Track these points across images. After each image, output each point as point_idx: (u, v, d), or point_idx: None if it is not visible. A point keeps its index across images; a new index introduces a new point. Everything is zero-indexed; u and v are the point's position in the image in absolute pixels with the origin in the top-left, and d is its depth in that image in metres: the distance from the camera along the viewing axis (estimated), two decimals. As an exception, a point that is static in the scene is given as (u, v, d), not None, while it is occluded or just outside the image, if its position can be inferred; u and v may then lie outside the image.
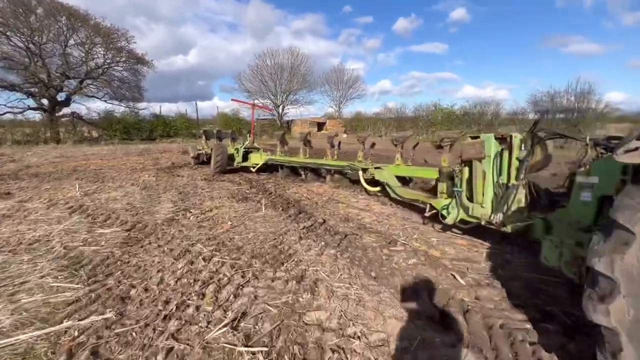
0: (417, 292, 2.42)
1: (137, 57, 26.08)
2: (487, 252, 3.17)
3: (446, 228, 3.74)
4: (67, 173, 8.70)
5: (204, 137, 10.34)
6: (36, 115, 23.74)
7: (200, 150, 10.22)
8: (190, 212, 4.79)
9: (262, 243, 3.51)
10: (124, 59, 25.52)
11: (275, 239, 3.64)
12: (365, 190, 5.45)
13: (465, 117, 25.49)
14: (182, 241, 3.54)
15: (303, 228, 3.98)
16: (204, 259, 3.04)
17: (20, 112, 22.72)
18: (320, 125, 37.99)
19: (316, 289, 2.50)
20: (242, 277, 2.71)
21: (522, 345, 1.81)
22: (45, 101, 23.17)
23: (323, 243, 3.47)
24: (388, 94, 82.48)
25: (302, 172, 7.53)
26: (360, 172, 5.35)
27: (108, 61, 24.98)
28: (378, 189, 5.14)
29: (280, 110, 40.15)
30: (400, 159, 5.09)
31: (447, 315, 2.11)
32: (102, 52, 24.59)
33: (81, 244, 3.44)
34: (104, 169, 9.70)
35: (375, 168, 5.13)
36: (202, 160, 10.18)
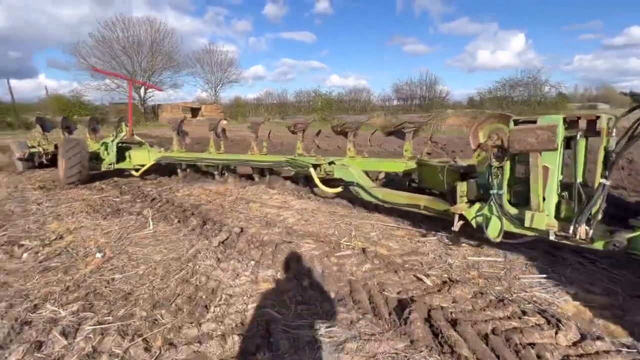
0: (395, 311, 2.01)
1: None
2: (427, 240, 3.08)
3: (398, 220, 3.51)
4: None
5: (39, 128, 7.37)
6: None
7: (33, 147, 7.19)
8: (22, 244, 3.09)
9: (165, 279, 2.44)
10: None
11: (182, 268, 2.61)
12: (314, 190, 4.59)
13: (342, 104, 27.45)
14: (12, 306, 2.11)
15: (218, 244, 3.05)
16: (64, 333, 1.82)
17: None
18: (195, 111, 34.08)
19: (271, 339, 1.77)
20: (146, 349, 1.71)
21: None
22: None
23: (252, 262, 2.69)
24: (262, 79, 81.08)
25: (216, 173, 5.80)
26: (312, 170, 4.22)
27: None
28: (339, 190, 4.17)
29: (142, 93, 33.81)
30: (353, 150, 4.37)
31: (438, 334, 1.77)
32: None
33: None
34: None
35: (330, 163, 4.17)
36: (38, 163, 7.22)
